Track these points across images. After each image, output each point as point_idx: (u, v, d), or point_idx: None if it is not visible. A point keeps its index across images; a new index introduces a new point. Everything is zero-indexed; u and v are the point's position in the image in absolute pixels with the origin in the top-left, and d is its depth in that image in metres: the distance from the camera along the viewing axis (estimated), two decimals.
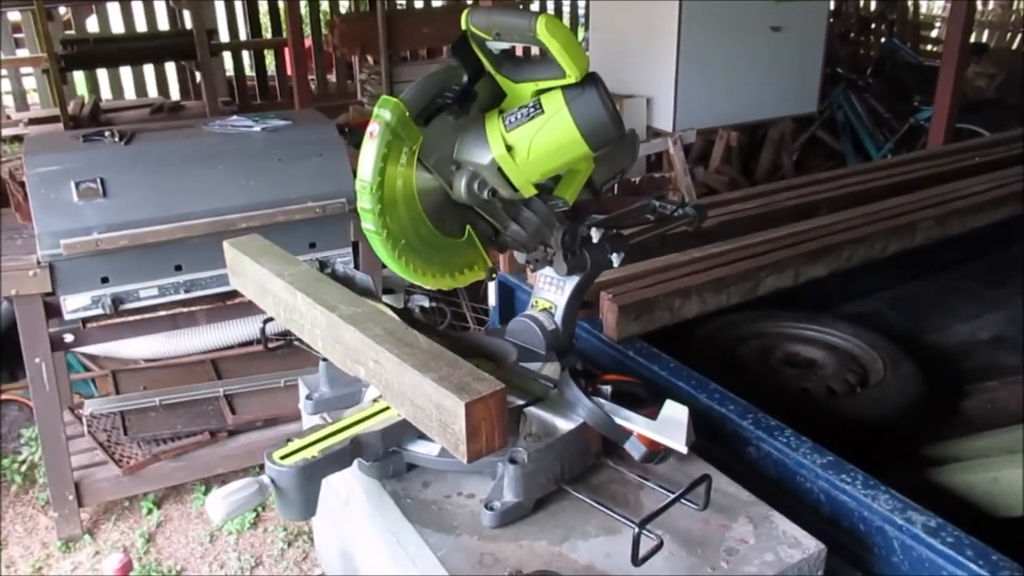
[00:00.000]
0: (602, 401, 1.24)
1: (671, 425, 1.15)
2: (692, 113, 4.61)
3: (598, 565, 1.09)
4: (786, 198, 2.42)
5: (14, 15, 6.56)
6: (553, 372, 1.35)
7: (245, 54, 7.24)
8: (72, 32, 6.62)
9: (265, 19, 7.35)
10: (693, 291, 1.83)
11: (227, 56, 7.04)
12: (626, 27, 4.77)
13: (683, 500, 1.13)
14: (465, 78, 1.22)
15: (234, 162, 2.82)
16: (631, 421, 1.20)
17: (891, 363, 1.92)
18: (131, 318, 2.80)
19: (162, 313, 2.85)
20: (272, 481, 1.10)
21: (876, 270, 2.24)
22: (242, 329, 3.40)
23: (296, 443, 1.16)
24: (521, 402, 1.26)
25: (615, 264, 1.45)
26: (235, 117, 3.13)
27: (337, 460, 1.15)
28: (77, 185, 2.58)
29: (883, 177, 2.65)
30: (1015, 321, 2.29)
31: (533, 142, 1.20)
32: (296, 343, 1.45)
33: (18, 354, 2.68)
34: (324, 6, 7.52)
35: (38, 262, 2.56)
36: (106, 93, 6.96)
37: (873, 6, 7.99)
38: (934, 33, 8.60)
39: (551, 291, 1.45)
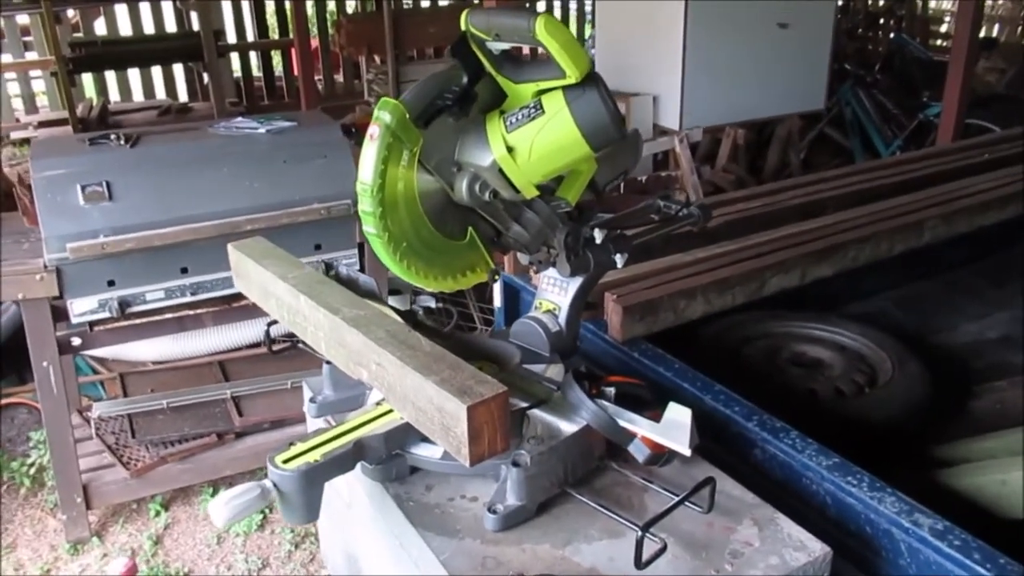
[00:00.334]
0: (606, 403, 1.23)
1: (674, 427, 1.14)
2: (699, 111, 4.60)
3: (601, 569, 1.08)
4: (791, 197, 2.41)
5: (23, 18, 6.60)
6: (557, 374, 1.35)
7: (252, 55, 7.26)
8: (80, 35, 6.65)
9: (272, 20, 7.36)
10: (698, 292, 1.82)
11: (234, 57, 7.07)
12: (632, 25, 4.75)
13: (687, 503, 1.12)
14: (465, 79, 1.21)
15: (239, 164, 2.83)
16: (635, 423, 1.19)
17: (899, 363, 1.91)
18: (138, 321, 2.80)
19: (169, 316, 2.85)
20: (275, 485, 1.10)
21: (883, 269, 2.22)
22: (249, 331, 3.41)
23: (299, 447, 1.16)
24: (524, 405, 1.25)
25: (619, 265, 1.44)
26: (240, 119, 3.14)
27: (340, 464, 1.15)
28: (83, 188, 2.58)
29: (889, 175, 2.63)
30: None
31: (534, 143, 1.20)
32: (300, 346, 1.44)
33: (26, 357, 2.69)
34: (331, 6, 7.54)
35: (45, 266, 2.57)
36: (114, 95, 6.99)
37: (881, 1, 7.95)
38: (943, 28, 8.55)
39: (554, 292, 1.44)
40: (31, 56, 6.70)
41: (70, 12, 6.65)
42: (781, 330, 2.08)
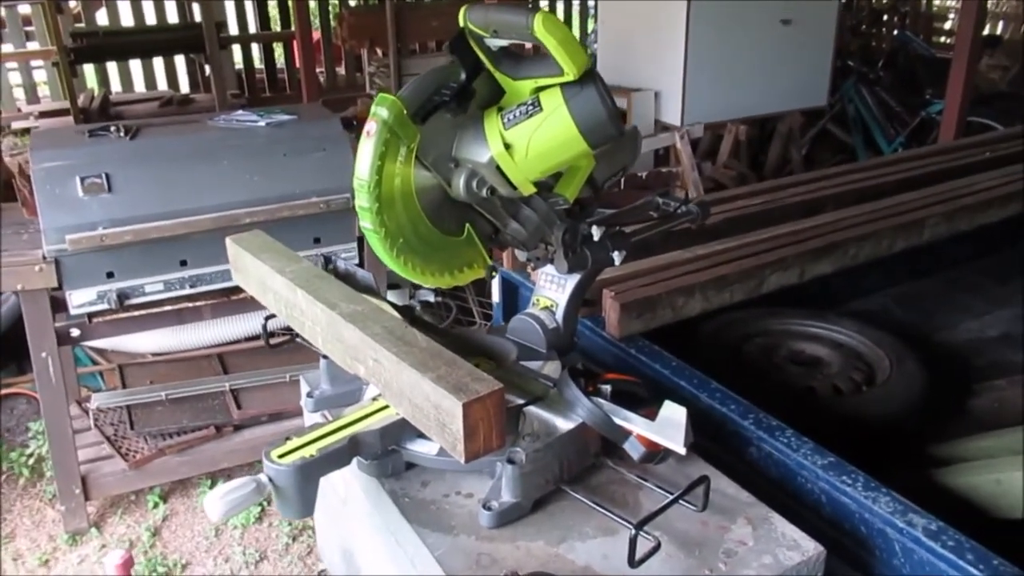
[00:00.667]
0: (601, 401, 1.23)
1: (669, 426, 1.14)
2: (701, 107, 4.59)
3: (595, 566, 1.08)
4: (791, 194, 2.40)
5: (24, 8, 6.57)
6: (554, 371, 1.35)
7: (254, 47, 7.24)
8: (82, 25, 6.63)
9: (274, 12, 7.35)
10: (696, 289, 1.81)
11: (236, 49, 7.05)
12: (635, 20, 4.74)
13: (682, 501, 1.12)
14: (463, 75, 1.21)
15: (238, 157, 2.83)
16: (630, 421, 1.19)
17: (897, 361, 1.91)
18: (136, 313, 2.81)
19: (168, 308, 2.86)
20: (270, 480, 1.10)
21: (883, 267, 2.22)
22: (248, 324, 3.40)
23: (294, 441, 1.16)
24: (520, 401, 1.25)
25: (617, 262, 1.44)
26: (240, 112, 3.13)
27: (335, 459, 1.15)
28: (82, 180, 2.58)
29: (890, 173, 2.62)
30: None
31: (532, 140, 1.19)
32: (298, 340, 1.44)
33: (26, 348, 2.69)
34: None
35: (44, 257, 2.57)
36: (116, 86, 6.98)
37: None
38: (947, 25, 8.53)
39: (552, 289, 1.44)
40: (32, 46, 6.69)
41: (72, 2, 6.65)
42: (780, 328, 2.08)
